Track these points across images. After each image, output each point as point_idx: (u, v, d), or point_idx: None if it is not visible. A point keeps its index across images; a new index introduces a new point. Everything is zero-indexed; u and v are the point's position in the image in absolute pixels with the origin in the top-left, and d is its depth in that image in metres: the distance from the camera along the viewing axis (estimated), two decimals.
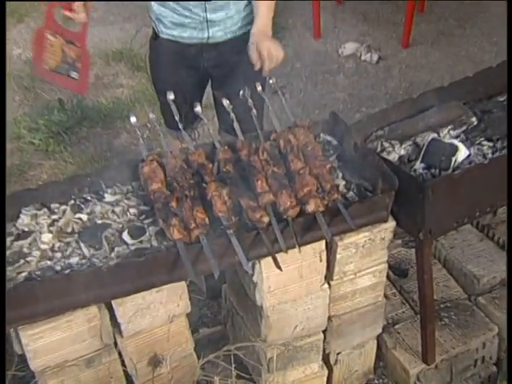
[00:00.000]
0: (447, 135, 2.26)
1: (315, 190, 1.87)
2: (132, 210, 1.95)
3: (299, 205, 1.84)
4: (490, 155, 2.14)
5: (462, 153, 2.12)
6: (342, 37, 5.06)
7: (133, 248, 1.82)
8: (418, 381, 2.38)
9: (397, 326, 2.49)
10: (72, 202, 1.97)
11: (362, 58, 4.82)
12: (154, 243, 1.83)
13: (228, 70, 2.49)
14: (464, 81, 2.43)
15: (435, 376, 2.40)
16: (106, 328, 1.84)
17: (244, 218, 1.82)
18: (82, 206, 1.96)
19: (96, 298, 1.76)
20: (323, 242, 1.93)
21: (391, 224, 2.01)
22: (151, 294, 1.81)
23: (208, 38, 2.41)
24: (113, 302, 1.80)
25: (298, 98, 4.33)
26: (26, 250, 1.82)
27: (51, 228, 1.89)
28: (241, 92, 2.16)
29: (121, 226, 1.90)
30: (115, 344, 1.91)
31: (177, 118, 2.11)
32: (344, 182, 2.02)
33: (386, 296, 2.35)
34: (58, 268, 1.76)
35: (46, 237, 1.86)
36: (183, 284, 1.87)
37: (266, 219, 1.79)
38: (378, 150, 2.20)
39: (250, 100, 2.16)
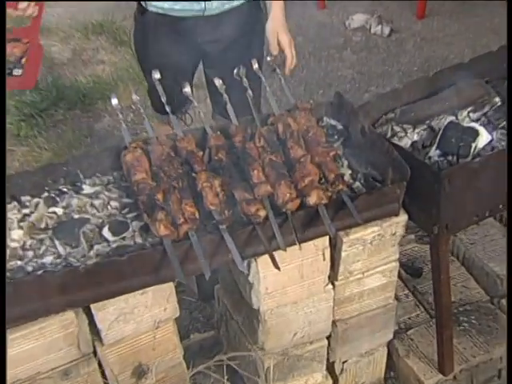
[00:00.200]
0: (466, 118, 2.26)
1: (317, 181, 1.87)
2: (113, 203, 1.95)
3: (299, 197, 1.83)
4: None
5: (484, 138, 2.12)
6: (350, 7, 5.05)
7: (114, 245, 1.82)
8: None
9: (410, 332, 2.50)
10: (46, 194, 1.97)
11: (372, 30, 4.82)
12: (138, 240, 1.83)
13: (224, 46, 2.49)
14: (487, 56, 2.43)
15: None
16: (84, 335, 1.84)
17: (238, 211, 1.82)
18: (57, 198, 1.96)
19: (73, 302, 1.75)
20: (326, 238, 1.93)
21: (403, 218, 2.01)
22: (135, 296, 1.81)
23: (204, 9, 2.40)
24: (91, 307, 1.79)
25: (300, 76, 4.34)
26: None
27: (22, 224, 1.88)
28: (235, 71, 2.16)
29: (101, 220, 1.90)
30: (94, 353, 1.91)
31: (163, 99, 2.11)
32: (350, 172, 2.03)
33: (397, 298, 2.36)
34: (30, 269, 1.75)
35: (16, 233, 1.85)
36: (171, 285, 1.87)
37: (262, 213, 1.79)
38: (389, 135, 2.20)
39: (244, 79, 2.15)
